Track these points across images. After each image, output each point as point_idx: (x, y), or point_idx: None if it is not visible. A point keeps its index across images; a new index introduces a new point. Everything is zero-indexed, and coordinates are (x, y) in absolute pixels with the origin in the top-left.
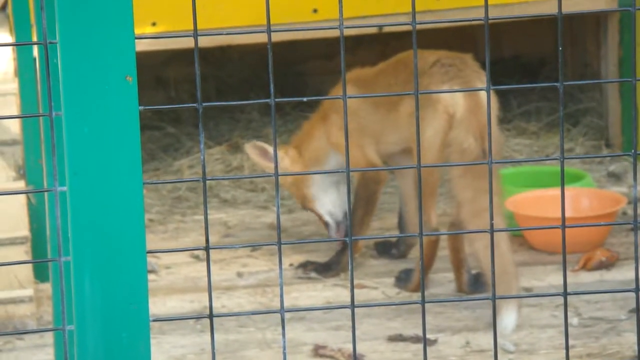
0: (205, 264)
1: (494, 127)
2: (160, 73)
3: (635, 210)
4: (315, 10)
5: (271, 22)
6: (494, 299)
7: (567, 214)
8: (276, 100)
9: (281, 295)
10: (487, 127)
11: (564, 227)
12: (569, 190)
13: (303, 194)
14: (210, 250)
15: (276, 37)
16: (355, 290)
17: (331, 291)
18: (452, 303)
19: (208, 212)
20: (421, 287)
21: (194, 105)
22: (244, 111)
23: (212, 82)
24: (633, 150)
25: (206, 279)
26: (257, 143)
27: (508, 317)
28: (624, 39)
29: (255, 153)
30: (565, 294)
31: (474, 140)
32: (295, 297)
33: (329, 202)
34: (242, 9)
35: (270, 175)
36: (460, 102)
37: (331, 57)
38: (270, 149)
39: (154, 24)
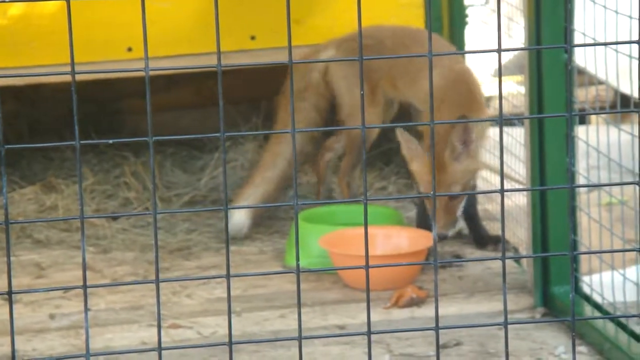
0: (16, 306)
1: None
2: None
3: (435, 250)
4: (129, 49)
5: (84, 61)
6: (299, 339)
7: (378, 252)
8: (81, 142)
9: (87, 340)
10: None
11: (367, 267)
12: (381, 229)
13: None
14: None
15: (90, 75)
16: (170, 331)
17: (146, 332)
18: (267, 342)
19: (21, 253)
20: (229, 329)
21: None
22: (58, 150)
23: (25, 121)
24: (432, 192)
25: (17, 322)
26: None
27: (237, 217)
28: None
29: (405, 140)
30: (369, 333)
31: None
32: (110, 339)
33: None
34: (53, 47)
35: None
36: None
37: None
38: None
39: None
